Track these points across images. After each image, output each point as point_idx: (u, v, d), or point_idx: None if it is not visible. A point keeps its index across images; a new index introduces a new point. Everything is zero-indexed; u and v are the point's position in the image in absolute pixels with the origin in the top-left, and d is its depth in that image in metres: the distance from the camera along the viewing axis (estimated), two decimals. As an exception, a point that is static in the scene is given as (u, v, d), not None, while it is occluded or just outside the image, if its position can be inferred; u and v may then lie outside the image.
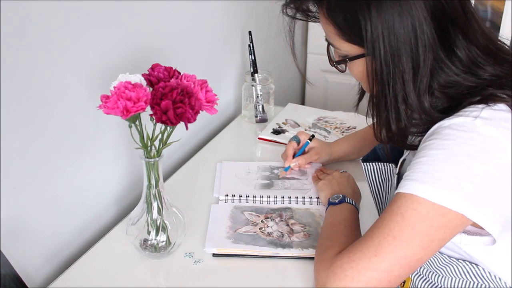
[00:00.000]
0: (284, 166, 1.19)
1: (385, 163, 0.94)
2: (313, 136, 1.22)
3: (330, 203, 0.98)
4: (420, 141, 0.78)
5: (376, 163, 0.96)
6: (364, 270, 0.71)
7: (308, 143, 1.21)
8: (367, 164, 0.96)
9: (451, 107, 0.75)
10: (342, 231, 0.87)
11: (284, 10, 0.83)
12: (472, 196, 0.68)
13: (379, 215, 1.00)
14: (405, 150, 0.91)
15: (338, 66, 0.84)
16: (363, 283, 0.71)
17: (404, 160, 0.89)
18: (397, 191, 0.74)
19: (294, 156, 1.20)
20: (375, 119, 0.80)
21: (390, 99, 0.75)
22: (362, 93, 0.93)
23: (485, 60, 0.75)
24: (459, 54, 0.74)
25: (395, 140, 0.80)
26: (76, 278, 0.88)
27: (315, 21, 0.84)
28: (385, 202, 0.97)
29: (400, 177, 0.88)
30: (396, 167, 0.91)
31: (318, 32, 2.12)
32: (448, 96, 0.75)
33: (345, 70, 0.85)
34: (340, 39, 0.78)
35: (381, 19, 0.71)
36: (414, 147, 0.80)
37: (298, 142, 1.21)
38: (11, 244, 0.82)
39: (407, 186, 0.72)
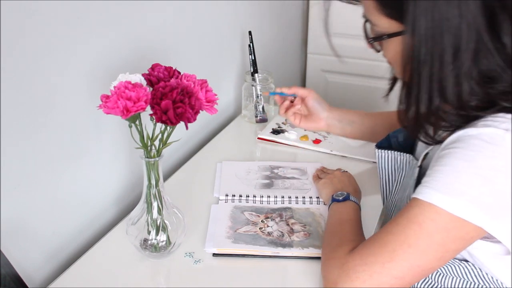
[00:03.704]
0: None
1: (401, 153, 0.92)
2: None
3: (334, 200, 0.97)
4: (442, 136, 0.75)
5: (392, 151, 0.93)
6: (376, 275, 0.71)
7: None
8: (382, 151, 0.94)
9: (483, 108, 0.72)
10: (349, 230, 0.86)
11: None
12: (493, 210, 0.67)
13: (383, 202, 0.99)
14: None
15: (373, 44, 0.81)
16: (374, 287, 0.71)
17: (427, 153, 0.85)
18: (415, 196, 0.72)
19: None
20: (404, 99, 0.77)
21: (424, 77, 0.71)
22: (393, 82, 0.90)
23: None
24: (504, 40, 0.70)
25: (418, 124, 0.76)
26: (76, 278, 0.88)
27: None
28: (393, 191, 0.96)
29: (421, 170, 0.85)
30: (417, 159, 0.88)
31: (318, 32, 2.12)
32: (485, 93, 0.72)
33: (380, 50, 0.82)
34: (380, 13, 0.75)
35: None
36: (433, 141, 0.77)
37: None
38: (11, 244, 0.82)
39: (427, 194, 0.70)
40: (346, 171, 1.11)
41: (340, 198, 0.96)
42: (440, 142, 0.76)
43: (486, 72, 0.71)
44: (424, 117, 0.75)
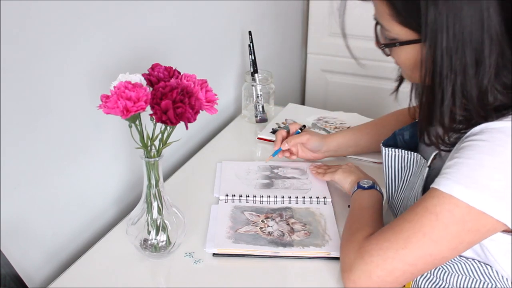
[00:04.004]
0: (274, 150, 1.21)
1: (409, 152, 0.92)
2: (304, 126, 1.23)
3: (359, 186, 0.98)
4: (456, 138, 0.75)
5: (399, 150, 0.93)
6: (390, 260, 0.72)
7: (299, 132, 1.22)
8: (388, 149, 0.94)
9: (506, 107, 0.72)
10: (370, 216, 0.88)
11: None
12: None
13: (388, 201, 1.00)
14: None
15: (384, 49, 0.80)
16: (387, 271, 0.73)
17: (437, 154, 0.85)
18: (435, 186, 0.72)
19: None
20: (425, 113, 0.77)
21: (447, 93, 0.71)
22: (400, 80, 0.90)
23: None
24: None
25: (443, 137, 0.76)
26: (76, 278, 0.88)
27: None
28: (399, 189, 0.97)
29: (430, 170, 0.85)
30: (425, 158, 0.88)
31: (318, 32, 2.11)
32: (508, 98, 0.71)
33: (389, 54, 0.81)
34: (393, 20, 0.74)
35: (447, 5, 0.66)
36: (451, 147, 0.77)
37: (288, 132, 1.23)
38: (11, 244, 0.82)
39: (447, 186, 0.70)
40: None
41: (366, 185, 0.98)
42: (454, 144, 0.77)
43: (508, 84, 0.71)
44: (447, 129, 0.75)
